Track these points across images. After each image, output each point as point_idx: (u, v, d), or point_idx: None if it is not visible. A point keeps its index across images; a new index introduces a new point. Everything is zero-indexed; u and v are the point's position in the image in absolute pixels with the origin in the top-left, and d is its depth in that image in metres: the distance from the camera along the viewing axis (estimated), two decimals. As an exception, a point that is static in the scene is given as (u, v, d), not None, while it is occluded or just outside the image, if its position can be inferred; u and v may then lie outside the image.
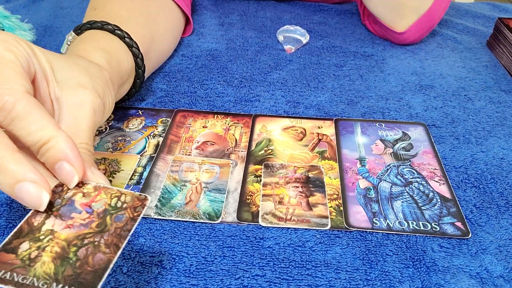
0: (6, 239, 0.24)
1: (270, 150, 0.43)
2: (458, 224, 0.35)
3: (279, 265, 0.32)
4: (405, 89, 0.54)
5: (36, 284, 0.22)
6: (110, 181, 0.38)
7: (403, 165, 0.41)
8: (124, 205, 0.26)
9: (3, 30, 0.52)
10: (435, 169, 0.41)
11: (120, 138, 0.44)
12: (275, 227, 0.35)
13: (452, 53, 0.63)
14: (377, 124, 0.47)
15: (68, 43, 0.45)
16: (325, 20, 0.72)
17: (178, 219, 0.35)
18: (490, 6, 0.80)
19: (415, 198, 0.37)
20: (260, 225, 0.35)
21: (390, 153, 0.43)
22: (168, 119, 0.47)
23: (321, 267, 0.32)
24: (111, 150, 0.42)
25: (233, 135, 0.45)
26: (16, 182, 0.24)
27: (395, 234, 0.34)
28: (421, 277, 0.31)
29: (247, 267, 0.32)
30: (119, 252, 0.24)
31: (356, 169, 0.41)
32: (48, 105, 0.30)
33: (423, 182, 0.39)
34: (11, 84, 0.25)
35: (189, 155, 0.42)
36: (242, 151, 0.43)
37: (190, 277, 0.31)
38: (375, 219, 0.35)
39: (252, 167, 0.40)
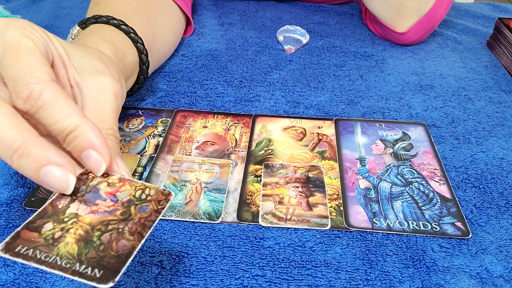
0: (30, 218, 0.24)
1: (270, 150, 0.43)
2: (458, 224, 0.35)
3: (279, 265, 0.32)
4: (405, 89, 0.54)
5: (58, 262, 0.22)
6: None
7: (403, 165, 0.41)
8: (149, 198, 0.26)
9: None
10: (435, 169, 0.41)
11: (120, 138, 0.44)
12: (275, 227, 0.35)
13: (452, 53, 0.63)
14: (377, 124, 0.47)
15: (73, 36, 0.45)
16: (325, 20, 0.72)
17: (178, 219, 0.35)
18: (490, 6, 0.80)
19: (415, 198, 0.37)
20: (260, 225, 0.35)
21: (390, 153, 0.43)
22: (168, 119, 0.47)
23: (321, 267, 0.32)
24: (111, 150, 0.42)
25: (233, 135, 0.45)
26: (41, 166, 0.24)
27: (395, 234, 0.34)
28: (421, 277, 0.31)
29: (247, 267, 0.32)
30: (143, 241, 0.24)
31: (356, 169, 0.41)
32: (68, 91, 0.29)
33: (423, 182, 0.39)
34: (36, 73, 0.25)
35: (189, 155, 0.42)
36: (242, 151, 0.43)
37: (190, 277, 0.31)
38: (375, 219, 0.35)
39: (252, 167, 0.40)
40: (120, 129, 0.45)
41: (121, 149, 0.42)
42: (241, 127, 0.46)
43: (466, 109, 0.50)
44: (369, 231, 0.35)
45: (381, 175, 0.40)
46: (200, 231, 0.34)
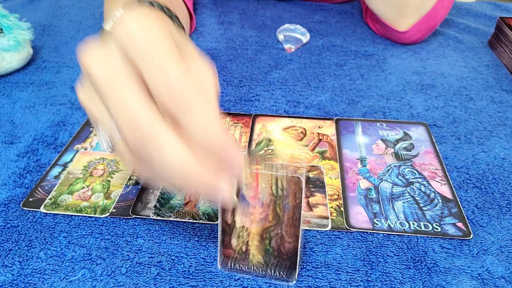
0: (220, 238, 0.29)
1: (270, 150, 0.42)
2: (460, 224, 0.35)
3: (279, 266, 0.31)
4: (406, 88, 0.53)
5: (258, 271, 0.29)
6: (109, 181, 0.38)
7: (404, 165, 0.41)
8: (284, 192, 0.28)
9: (1, 29, 0.52)
10: (436, 169, 0.40)
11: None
12: (275, 228, 0.34)
13: (453, 52, 0.62)
14: (378, 124, 0.47)
15: (115, 19, 0.44)
16: (325, 19, 0.71)
17: (177, 219, 0.35)
18: (491, 5, 0.79)
19: (416, 198, 0.37)
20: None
21: (391, 153, 0.42)
22: (167, 118, 0.47)
23: (322, 268, 0.31)
24: (110, 150, 0.42)
25: (233, 135, 0.44)
26: (216, 182, 0.24)
27: (396, 234, 0.34)
28: (422, 278, 0.31)
29: (247, 268, 0.31)
30: (300, 240, 0.28)
31: (357, 169, 0.40)
32: None
33: (424, 183, 0.39)
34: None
35: (188, 155, 0.42)
36: (242, 151, 0.42)
37: (189, 278, 0.30)
38: (376, 220, 0.35)
39: (252, 167, 0.40)
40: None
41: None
42: (241, 127, 0.46)
43: (467, 108, 0.50)
44: (370, 232, 0.34)
45: (382, 175, 0.40)
46: (199, 231, 0.34)
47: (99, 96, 0.25)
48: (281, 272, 0.28)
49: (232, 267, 0.29)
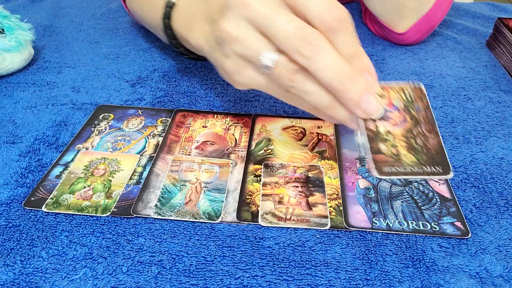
0: (368, 145, 0.31)
1: (270, 150, 0.43)
2: (458, 224, 0.35)
3: (279, 265, 0.32)
4: (405, 89, 0.54)
5: (415, 170, 0.29)
6: (110, 181, 0.38)
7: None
8: (412, 97, 0.32)
9: (2, 30, 0.52)
10: (434, 169, 0.41)
11: (119, 137, 0.44)
12: (274, 227, 0.35)
13: (451, 53, 0.63)
14: (376, 124, 0.47)
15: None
16: (325, 20, 0.72)
17: (178, 218, 0.35)
18: (489, 6, 0.80)
19: (415, 198, 0.38)
20: (260, 224, 0.35)
21: (390, 153, 0.43)
22: (167, 118, 0.47)
23: (321, 266, 0.32)
24: (111, 150, 0.42)
25: (233, 134, 0.45)
26: (364, 93, 0.29)
27: (395, 234, 0.34)
28: (420, 277, 0.31)
29: (247, 267, 0.32)
30: (439, 135, 0.31)
31: (356, 169, 0.41)
32: None
33: (422, 182, 0.39)
34: None
35: (188, 155, 0.42)
36: (241, 150, 0.43)
37: (190, 277, 0.31)
38: (375, 219, 0.35)
39: (251, 167, 0.40)
40: (120, 128, 0.45)
41: (120, 148, 0.42)
42: (241, 127, 0.46)
43: (465, 109, 0.50)
44: (369, 231, 0.35)
45: (381, 175, 0.40)
46: (199, 231, 0.34)
47: (256, 24, 0.29)
48: (437, 167, 0.30)
49: (390, 171, 0.29)
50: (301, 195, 0.37)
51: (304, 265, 0.32)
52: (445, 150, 0.30)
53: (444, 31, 0.69)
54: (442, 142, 0.30)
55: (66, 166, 0.40)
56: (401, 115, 0.31)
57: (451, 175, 0.29)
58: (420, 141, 0.31)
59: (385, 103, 0.32)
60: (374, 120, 0.31)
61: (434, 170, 0.30)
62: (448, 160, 0.30)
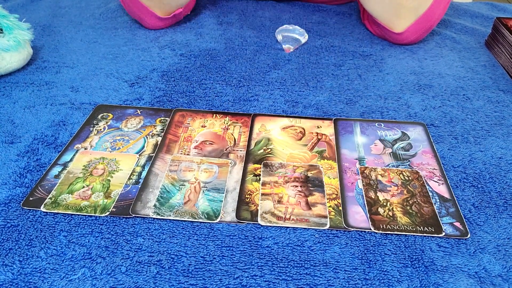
0: (368, 208, 0.36)
1: (269, 150, 0.43)
2: (457, 224, 0.35)
3: (278, 265, 0.32)
4: (404, 88, 0.54)
5: (408, 228, 0.34)
6: (109, 180, 0.38)
7: (402, 165, 0.41)
8: (410, 178, 0.39)
9: (1, 29, 0.52)
10: (434, 169, 0.41)
11: (118, 137, 0.44)
12: (273, 227, 0.35)
13: (450, 52, 0.63)
14: (376, 124, 0.47)
15: None
16: (324, 19, 0.72)
17: (177, 218, 0.35)
18: (488, 6, 0.80)
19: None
20: (259, 224, 0.35)
21: (389, 153, 0.43)
22: (166, 118, 0.47)
23: (320, 266, 0.32)
24: (110, 149, 0.42)
25: (232, 134, 0.45)
26: None
27: (394, 234, 0.34)
28: (419, 277, 0.31)
29: (246, 267, 0.32)
30: (434, 205, 0.36)
31: (355, 169, 0.41)
32: None
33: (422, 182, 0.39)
34: None
35: (187, 154, 0.42)
36: (241, 150, 0.43)
37: (188, 277, 0.31)
38: (374, 219, 0.35)
39: (251, 166, 0.40)
40: (118, 128, 0.45)
41: (119, 148, 0.42)
42: (240, 127, 0.46)
43: (464, 108, 0.50)
44: (368, 231, 0.35)
45: (380, 175, 0.40)
46: (198, 230, 0.34)
47: None
48: (429, 228, 0.34)
49: (385, 227, 0.34)
50: (301, 195, 0.37)
51: (303, 264, 0.32)
52: (438, 216, 0.35)
53: (443, 30, 0.69)
54: (436, 212, 0.35)
55: (64, 166, 0.40)
56: (399, 190, 0.37)
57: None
58: (415, 208, 0.36)
59: (385, 180, 0.38)
60: (374, 190, 0.37)
61: (427, 229, 0.34)
62: (441, 223, 0.35)
